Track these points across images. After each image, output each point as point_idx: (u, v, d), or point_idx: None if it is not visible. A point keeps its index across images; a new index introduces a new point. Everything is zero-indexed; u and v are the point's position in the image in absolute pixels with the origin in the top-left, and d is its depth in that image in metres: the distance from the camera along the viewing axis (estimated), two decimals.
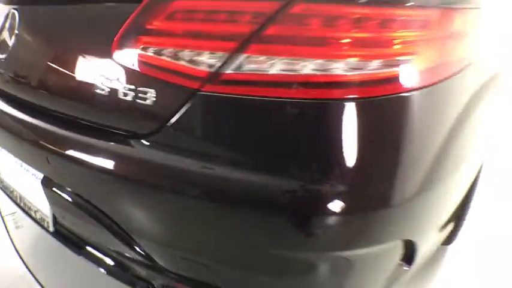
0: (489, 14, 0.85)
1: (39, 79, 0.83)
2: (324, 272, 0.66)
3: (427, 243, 0.87)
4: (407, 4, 0.58)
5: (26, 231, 1.50)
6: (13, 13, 0.88)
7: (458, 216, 1.19)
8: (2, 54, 0.89)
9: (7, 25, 0.89)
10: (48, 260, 1.38)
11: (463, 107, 0.73)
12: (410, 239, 0.74)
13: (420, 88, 0.59)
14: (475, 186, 1.26)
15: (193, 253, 0.73)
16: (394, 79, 0.57)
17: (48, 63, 0.79)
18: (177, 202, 0.66)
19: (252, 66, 0.56)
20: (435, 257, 1.36)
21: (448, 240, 1.28)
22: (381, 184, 0.60)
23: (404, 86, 0.57)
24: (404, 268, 0.81)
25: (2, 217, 1.58)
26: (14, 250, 1.41)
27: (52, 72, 0.78)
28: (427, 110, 0.62)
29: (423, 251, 0.86)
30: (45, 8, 0.84)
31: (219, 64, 0.57)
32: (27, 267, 1.29)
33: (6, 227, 1.54)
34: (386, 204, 0.61)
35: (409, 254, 0.79)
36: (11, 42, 0.86)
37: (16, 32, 0.86)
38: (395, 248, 0.74)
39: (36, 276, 1.26)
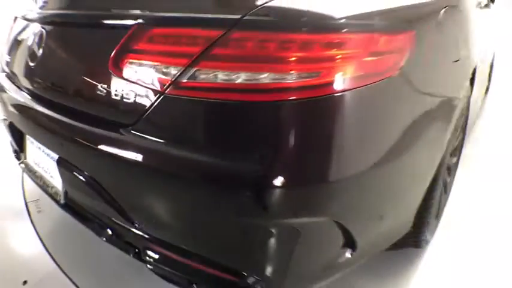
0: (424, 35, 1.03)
1: (57, 82, 1.09)
2: (273, 238, 0.86)
3: (365, 233, 1.03)
4: (328, 30, 0.80)
5: (47, 216, 1.76)
6: (41, 31, 1.15)
7: (421, 218, 1.28)
8: (32, 62, 1.16)
9: (37, 40, 1.16)
10: (66, 241, 1.63)
11: (392, 107, 0.93)
12: (341, 222, 0.92)
13: (341, 91, 0.79)
14: (438, 189, 1.34)
15: (165, 220, 0.95)
16: (309, 87, 0.78)
17: (64, 70, 1.05)
18: (151, 178, 0.89)
19: (202, 76, 0.80)
20: (409, 260, 1.49)
21: (416, 243, 1.38)
22: (313, 165, 0.81)
23: (327, 90, 0.78)
24: (347, 255, 1.00)
25: (26, 203, 1.86)
26: (36, 235, 1.67)
27: (67, 77, 1.05)
28: (352, 108, 0.81)
29: (366, 242, 1.02)
30: (64, 29, 1.10)
31: (177, 74, 0.80)
32: (55, 262, 1.50)
33: (29, 212, 1.80)
34: (315, 182, 0.82)
35: (349, 241, 0.97)
36: (38, 53, 1.13)
37: (43, 45, 1.13)
38: (333, 230, 0.93)
39: (59, 263, 1.49)
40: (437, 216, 1.51)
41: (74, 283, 1.39)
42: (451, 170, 1.66)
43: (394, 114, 0.94)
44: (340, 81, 0.79)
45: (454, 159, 1.69)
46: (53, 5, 1.22)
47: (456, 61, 1.27)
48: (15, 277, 1.42)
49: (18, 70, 1.26)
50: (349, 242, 0.97)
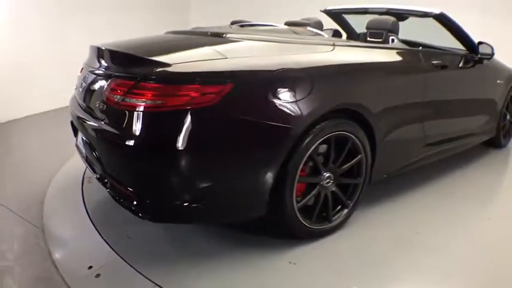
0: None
1: (90, 102, 2.16)
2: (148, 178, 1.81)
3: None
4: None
5: (92, 186, 2.86)
6: (86, 76, 2.27)
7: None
8: (81, 90, 2.28)
9: (85, 80, 2.28)
10: (105, 205, 2.61)
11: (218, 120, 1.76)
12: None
13: (180, 109, 1.69)
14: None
15: (114, 166, 1.95)
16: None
17: (94, 96, 2.13)
18: (105, 146, 1.92)
19: (132, 100, 1.80)
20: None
21: None
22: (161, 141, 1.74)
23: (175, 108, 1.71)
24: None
25: (83, 178, 3.00)
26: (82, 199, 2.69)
27: (95, 101, 2.08)
28: (190, 118, 1.69)
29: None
30: (96, 76, 2.21)
31: (121, 97, 1.82)
32: (114, 251, 2.05)
33: (82, 183, 2.92)
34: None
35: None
36: (83, 87, 2.26)
37: (86, 83, 2.24)
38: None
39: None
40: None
41: (137, 270, 1.89)
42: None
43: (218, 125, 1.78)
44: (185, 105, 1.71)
45: None
46: (91, 64, 2.31)
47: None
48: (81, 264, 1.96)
49: (77, 93, 2.39)
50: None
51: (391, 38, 2.68)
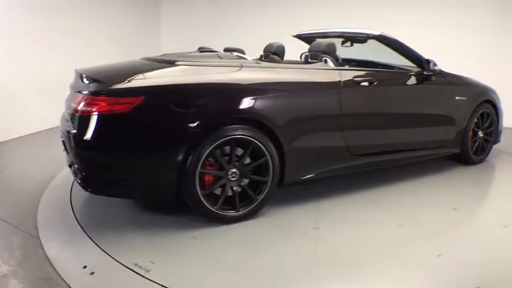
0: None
1: (70, 112, 2.59)
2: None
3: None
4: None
5: (79, 195, 3.15)
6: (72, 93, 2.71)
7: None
8: (68, 102, 2.72)
9: (70, 96, 2.72)
10: (91, 210, 2.99)
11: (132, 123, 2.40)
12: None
13: (104, 113, 2.39)
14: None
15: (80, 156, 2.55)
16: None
17: (71, 108, 2.59)
18: (68, 140, 2.49)
19: (81, 107, 2.38)
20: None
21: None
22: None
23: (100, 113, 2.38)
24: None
25: (71, 189, 3.27)
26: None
27: (71, 110, 2.58)
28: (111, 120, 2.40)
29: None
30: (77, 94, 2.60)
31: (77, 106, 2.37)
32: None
33: (71, 193, 3.20)
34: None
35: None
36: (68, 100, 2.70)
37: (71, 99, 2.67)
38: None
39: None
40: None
41: None
42: None
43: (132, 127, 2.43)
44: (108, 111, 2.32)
45: None
46: (73, 84, 2.77)
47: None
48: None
49: (65, 103, 2.82)
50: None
51: (324, 58, 3.08)
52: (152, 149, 2.47)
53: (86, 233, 2.56)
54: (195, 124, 2.47)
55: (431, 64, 3.56)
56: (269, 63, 3.15)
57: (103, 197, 2.81)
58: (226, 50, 3.60)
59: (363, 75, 3.21)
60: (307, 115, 2.88)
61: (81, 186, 2.54)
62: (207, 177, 2.60)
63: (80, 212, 2.88)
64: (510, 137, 5.00)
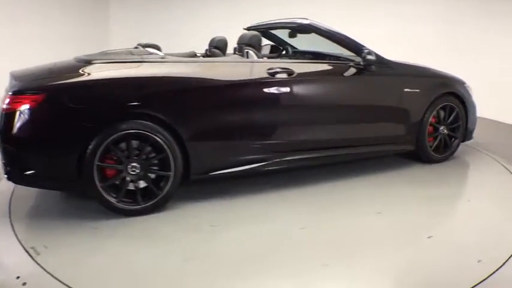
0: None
1: None
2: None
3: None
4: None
5: (19, 203, 3.31)
6: None
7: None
8: None
9: None
10: (28, 219, 3.14)
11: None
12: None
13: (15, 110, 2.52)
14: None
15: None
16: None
17: None
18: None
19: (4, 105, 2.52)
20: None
21: None
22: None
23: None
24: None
25: (11, 197, 3.45)
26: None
27: None
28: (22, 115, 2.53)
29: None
30: None
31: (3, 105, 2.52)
32: None
33: (10, 202, 3.38)
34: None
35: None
36: None
37: None
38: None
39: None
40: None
41: None
42: None
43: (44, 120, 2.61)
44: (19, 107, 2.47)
45: None
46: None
47: None
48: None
49: None
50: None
51: (246, 51, 3.07)
52: (54, 143, 2.62)
53: (20, 243, 2.48)
54: (89, 119, 2.61)
55: (365, 53, 3.27)
56: (175, 57, 3.16)
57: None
58: (141, 45, 3.63)
59: (281, 67, 3.07)
60: (210, 110, 2.86)
61: (7, 178, 2.70)
62: (109, 171, 2.70)
63: (18, 222, 2.80)
64: (487, 131, 4.66)
